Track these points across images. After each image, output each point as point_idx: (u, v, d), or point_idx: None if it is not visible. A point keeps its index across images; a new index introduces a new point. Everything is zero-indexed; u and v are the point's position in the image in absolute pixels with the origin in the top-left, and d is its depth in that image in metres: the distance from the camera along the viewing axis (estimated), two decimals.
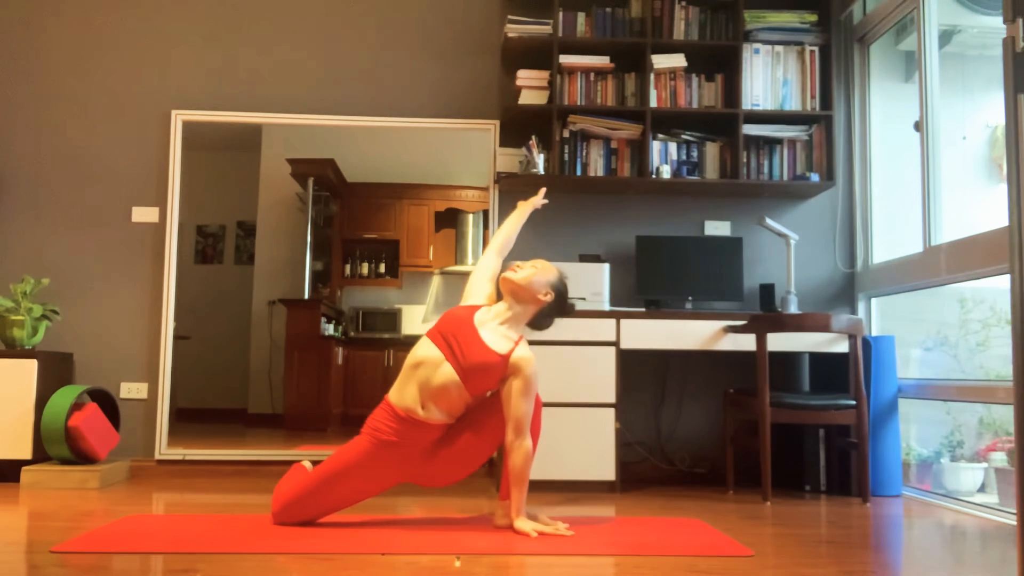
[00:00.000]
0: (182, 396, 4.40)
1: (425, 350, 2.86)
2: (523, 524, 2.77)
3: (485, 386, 2.84)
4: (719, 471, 4.27)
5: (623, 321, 3.89)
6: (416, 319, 4.70)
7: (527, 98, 4.27)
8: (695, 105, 4.35)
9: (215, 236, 4.73)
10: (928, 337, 4.36)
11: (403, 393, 2.84)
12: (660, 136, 4.34)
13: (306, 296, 4.75)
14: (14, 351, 3.92)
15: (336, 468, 2.82)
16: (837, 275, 4.52)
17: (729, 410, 4.02)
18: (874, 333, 4.38)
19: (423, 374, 2.82)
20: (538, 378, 2.88)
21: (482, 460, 2.89)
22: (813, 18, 4.38)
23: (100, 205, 4.38)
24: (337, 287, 4.74)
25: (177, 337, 4.33)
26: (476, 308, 2.97)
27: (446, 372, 2.80)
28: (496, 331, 2.89)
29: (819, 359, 4.16)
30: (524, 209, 3.29)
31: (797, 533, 2.94)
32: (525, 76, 4.29)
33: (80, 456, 3.81)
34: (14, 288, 3.99)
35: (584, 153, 4.29)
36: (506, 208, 4.44)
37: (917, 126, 3.98)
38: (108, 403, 4.08)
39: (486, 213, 4.46)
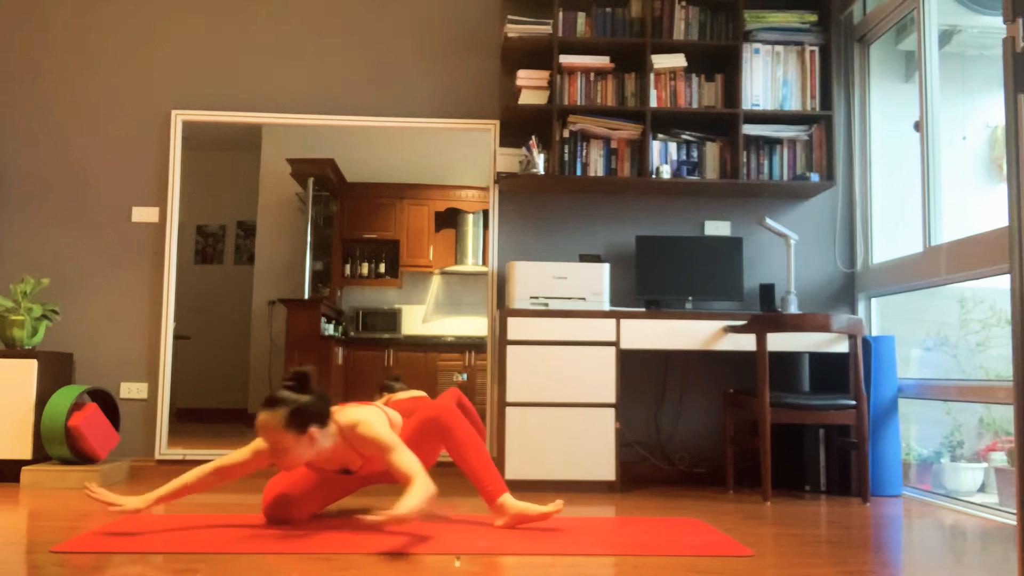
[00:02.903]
0: (182, 396, 4.40)
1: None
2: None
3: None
4: (719, 471, 4.27)
5: (623, 321, 3.89)
6: (416, 319, 4.69)
7: (527, 98, 4.27)
8: (695, 105, 4.35)
9: (215, 236, 4.72)
10: (928, 337, 4.36)
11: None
12: (660, 136, 4.34)
13: (306, 296, 4.74)
14: (14, 351, 3.92)
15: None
16: (837, 275, 4.51)
17: (729, 410, 4.02)
18: (874, 333, 4.38)
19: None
20: (378, 422, 2.76)
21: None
22: (813, 18, 4.38)
23: (100, 205, 4.38)
24: (337, 287, 4.74)
25: (177, 337, 4.33)
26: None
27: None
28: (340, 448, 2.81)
29: (819, 359, 4.16)
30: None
31: (797, 533, 2.94)
32: (525, 76, 4.29)
33: (80, 456, 3.81)
34: (14, 288, 3.99)
35: (584, 153, 4.29)
36: (506, 208, 4.45)
37: (917, 126, 3.98)
38: (108, 403, 4.08)
39: (486, 213, 4.46)
